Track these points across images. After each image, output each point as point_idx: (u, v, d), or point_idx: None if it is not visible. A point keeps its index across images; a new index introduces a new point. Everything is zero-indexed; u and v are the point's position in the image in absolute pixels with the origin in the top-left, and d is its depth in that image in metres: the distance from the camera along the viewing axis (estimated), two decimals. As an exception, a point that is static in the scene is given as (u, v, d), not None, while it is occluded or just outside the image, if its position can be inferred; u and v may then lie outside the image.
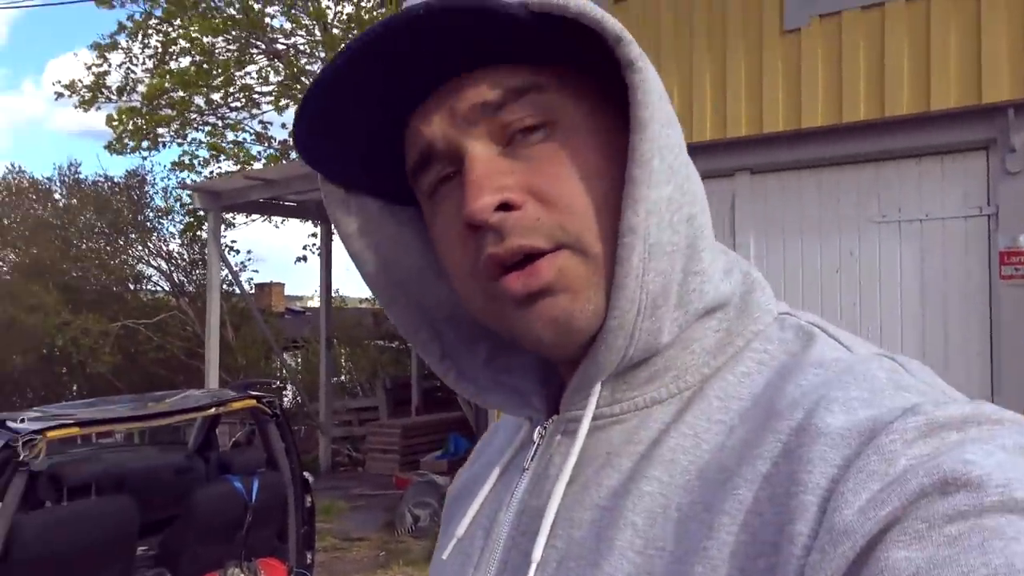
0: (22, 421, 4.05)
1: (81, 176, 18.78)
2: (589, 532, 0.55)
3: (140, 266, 17.17)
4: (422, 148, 0.57)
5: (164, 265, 16.73)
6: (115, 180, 17.64)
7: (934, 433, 0.45)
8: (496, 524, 0.63)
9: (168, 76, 13.72)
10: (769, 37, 4.86)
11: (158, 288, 17.31)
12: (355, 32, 12.60)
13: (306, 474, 5.19)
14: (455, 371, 0.68)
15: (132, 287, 17.32)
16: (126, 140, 14.59)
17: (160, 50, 14.38)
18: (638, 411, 0.59)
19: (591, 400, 0.59)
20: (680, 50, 5.15)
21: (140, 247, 16.96)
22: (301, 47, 14.45)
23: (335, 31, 13.34)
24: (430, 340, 0.67)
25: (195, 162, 15.04)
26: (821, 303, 4.85)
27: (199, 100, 14.47)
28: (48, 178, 19.62)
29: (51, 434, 3.90)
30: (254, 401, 4.78)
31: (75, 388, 17.49)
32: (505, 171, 0.55)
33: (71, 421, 4.10)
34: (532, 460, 0.63)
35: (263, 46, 14.46)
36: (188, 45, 13.68)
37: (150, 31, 14.28)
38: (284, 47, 14.52)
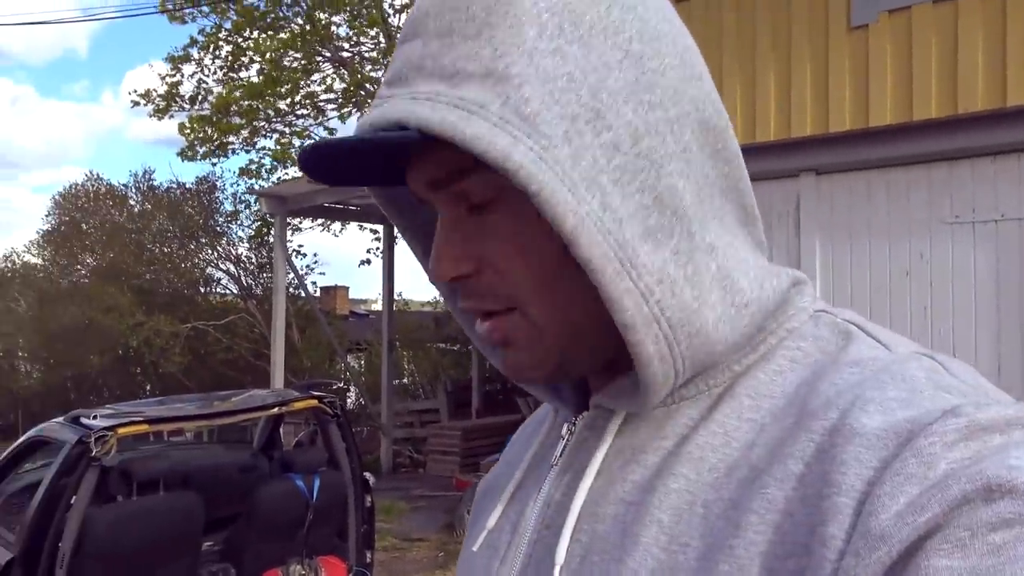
0: (95, 418, 4.19)
1: (155, 183, 19.47)
2: (613, 527, 0.55)
3: (210, 269, 17.66)
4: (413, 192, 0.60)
5: (233, 268, 17.18)
6: (187, 186, 18.22)
7: (976, 436, 0.44)
8: (523, 518, 0.63)
9: (237, 89, 14.11)
10: (835, 34, 4.74)
11: (227, 291, 17.78)
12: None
13: (368, 475, 5.24)
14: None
15: (202, 290, 17.82)
16: (197, 147, 15.04)
17: (230, 60, 14.78)
18: (665, 407, 0.58)
19: (619, 412, 0.59)
20: (743, 49, 5.06)
21: (210, 251, 17.44)
22: (366, 54, 14.68)
23: (398, 37, 13.52)
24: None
25: (261, 170, 15.41)
26: (890, 308, 4.71)
27: (268, 109, 14.81)
28: (124, 185, 20.36)
29: (122, 431, 4.02)
30: (316, 401, 4.86)
31: (148, 387, 18.09)
32: (465, 238, 0.56)
33: (140, 418, 4.23)
34: (560, 455, 0.63)
35: (328, 54, 14.74)
36: (257, 57, 14.02)
37: (220, 43, 14.69)
38: (350, 55, 14.77)
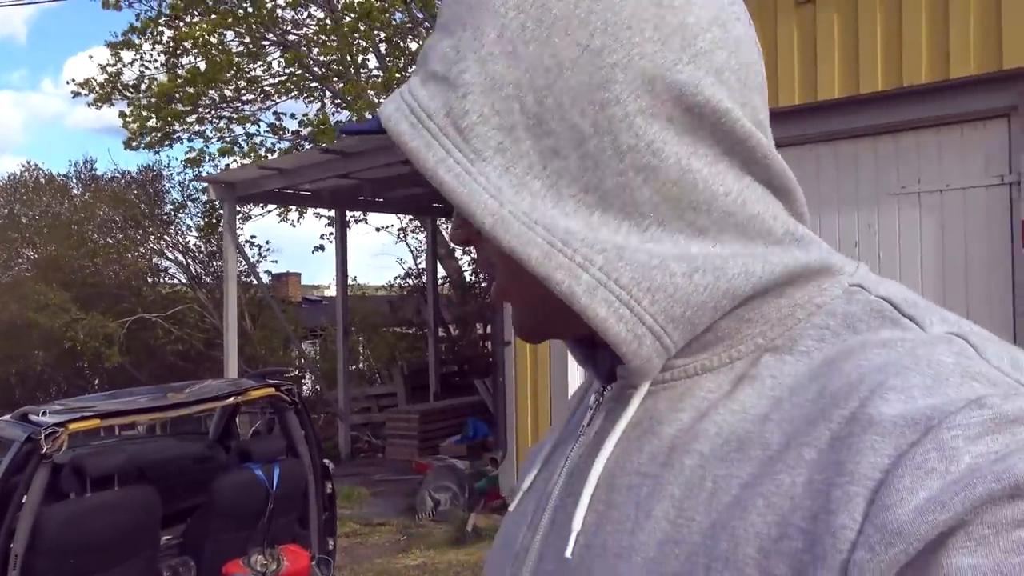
0: (44, 414, 4.08)
1: (97, 172, 18.93)
2: (628, 497, 0.56)
3: (156, 259, 17.28)
4: None
5: (181, 258, 16.82)
6: (131, 175, 17.76)
7: (1002, 429, 0.42)
8: (549, 485, 0.65)
9: (179, 76, 13.77)
10: (784, 8, 4.79)
11: (176, 281, 17.41)
12: (366, 20, 12.59)
13: (327, 461, 5.20)
14: None
15: (150, 280, 17.43)
16: (140, 137, 14.65)
17: (172, 46, 14.38)
18: (687, 378, 0.57)
19: (644, 383, 0.59)
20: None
21: (157, 241, 17.05)
22: (312, 37, 14.42)
23: (346, 19, 13.28)
24: None
25: (204, 158, 15.07)
26: (840, 278, 4.80)
27: (212, 93, 14.47)
28: (64, 175, 19.76)
29: (73, 426, 3.93)
30: (272, 389, 4.80)
31: (96, 381, 17.68)
32: None
33: (92, 413, 4.13)
34: (587, 424, 0.64)
35: (274, 38, 14.45)
36: (199, 42, 13.66)
37: (160, 28, 14.29)
38: (296, 37, 14.50)
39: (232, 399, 4.72)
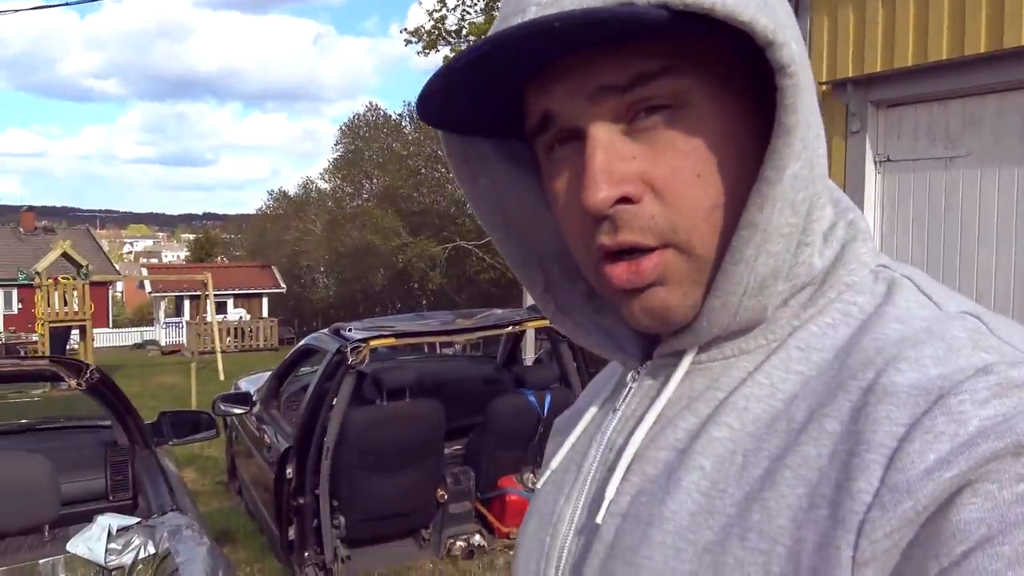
0: (350, 331, 4.70)
1: (427, 110, 20.67)
2: (662, 471, 0.58)
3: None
4: (543, 114, 0.57)
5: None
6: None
7: (1009, 393, 0.44)
8: (586, 459, 0.66)
9: (494, 16, 14.51)
10: None
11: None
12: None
13: (606, 394, 5.37)
14: (554, 305, 0.69)
15: (467, 210, 18.91)
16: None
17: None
18: (724, 360, 0.59)
19: (685, 359, 0.60)
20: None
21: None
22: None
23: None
24: (536, 273, 0.69)
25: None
26: None
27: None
28: (399, 114, 21.90)
29: (373, 343, 4.48)
30: (546, 322, 5.04)
31: (424, 302, 19.74)
32: (626, 156, 0.53)
33: (389, 333, 4.67)
34: (623, 401, 0.65)
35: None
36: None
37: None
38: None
39: (509, 328, 5.06)
